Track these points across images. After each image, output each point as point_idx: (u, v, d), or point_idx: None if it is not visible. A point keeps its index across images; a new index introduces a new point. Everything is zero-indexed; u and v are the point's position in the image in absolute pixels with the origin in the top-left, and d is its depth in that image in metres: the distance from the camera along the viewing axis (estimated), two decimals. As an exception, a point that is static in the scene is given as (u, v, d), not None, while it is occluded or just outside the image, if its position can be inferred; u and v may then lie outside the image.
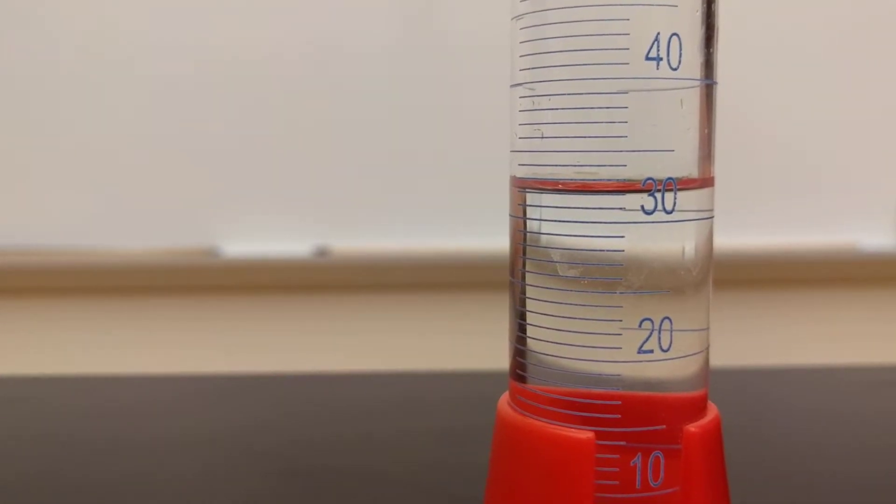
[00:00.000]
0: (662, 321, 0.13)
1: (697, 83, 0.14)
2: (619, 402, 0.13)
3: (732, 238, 1.10)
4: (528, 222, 0.14)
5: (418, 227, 1.07)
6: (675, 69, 0.13)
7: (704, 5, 0.14)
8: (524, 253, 0.14)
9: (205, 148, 1.10)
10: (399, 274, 1.07)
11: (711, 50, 0.14)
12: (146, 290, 1.05)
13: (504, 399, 0.15)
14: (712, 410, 0.15)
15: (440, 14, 0.86)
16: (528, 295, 0.14)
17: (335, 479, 0.21)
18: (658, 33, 0.13)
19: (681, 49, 0.13)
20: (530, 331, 0.14)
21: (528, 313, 0.14)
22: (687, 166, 0.14)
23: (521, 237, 0.15)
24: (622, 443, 0.13)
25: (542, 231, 0.14)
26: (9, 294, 1.05)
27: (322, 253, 1.11)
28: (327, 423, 0.27)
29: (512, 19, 0.15)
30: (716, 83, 0.14)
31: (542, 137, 0.14)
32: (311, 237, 1.10)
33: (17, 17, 1.04)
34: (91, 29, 1.10)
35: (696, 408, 0.14)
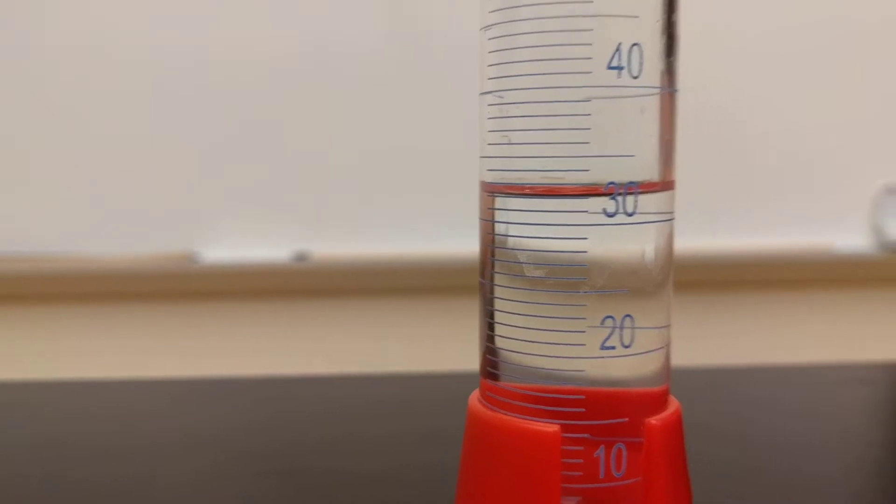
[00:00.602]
0: (624, 319, 0.14)
1: (658, 91, 0.15)
2: (584, 397, 0.14)
3: (713, 240, 1.11)
4: (496, 225, 0.15)
5: (396, 232, 1.07)
6: (636, 77, 0.14)
7: (665, 16, 0.15)
8: (493, 255, 0.15)
9: (183, 154, 1.10)
10: (378, 278, 1.08)
11: (672, 59, 0.15)
12: (126, 295, 1.05)
13: (475, 396, 0.16)
14: (673, 404, 0.15)
15: (425, 20, 0.87)
16: (496, 295, 0.15)
17: (320, 480, 0.22)
18: (620, 43, 0.14)
19: (641, 58, 0.14)
20: (498, 329, 0.15)
21: (496, 312, 0.15)
22: (648, 170, 0.14)
23: (490, 240, 0.15)
24: (586, 435, 0.14)
25: (510, 234, 0.15)
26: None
27: (301, 258, 1.11)
28: (310, 424, 0.27)
29: (480, 30, 0.15)
30: (677, 91, 0.15)
31: (510, 143, 0.15)
32: (291, 242, 1.10)
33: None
34: (69, 39, 1.09)
35: (658, 402, 0.15)
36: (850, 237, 1.20)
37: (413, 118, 0.91)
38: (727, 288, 0.77)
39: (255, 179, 1.12)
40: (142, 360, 0.78)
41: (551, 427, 0.14)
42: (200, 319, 1.09)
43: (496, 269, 0.15)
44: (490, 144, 0.15)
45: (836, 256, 1.16)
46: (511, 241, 0.15)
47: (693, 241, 1.04)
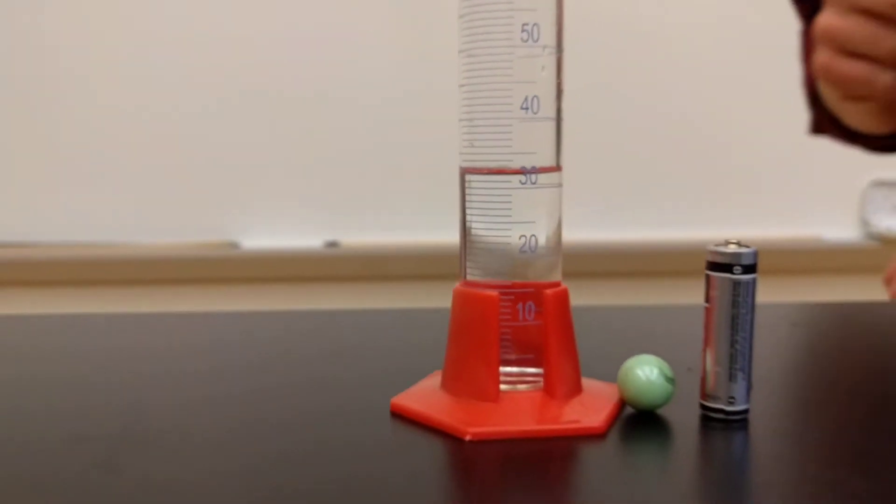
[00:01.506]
0: (531, 236, 0.27)
1: (553, 120, 0.28)
2: (510, 281, 0.27)
3: (708, 231, 1.25)
4: (467, 187, 0.28)
5: (419, 222, 1.21)
6: (536, 113, 0.27)
7: (557, 84, 0.28)
8: (465, 200, 0.28)
9: (226, 153, 1.25)
10: (401, 264, 1.21)
11: (560, 103, 0.28)
12: (174, 280, 1.19)
13: (457, 286, 0.29)
14: (562, 286, 0.28)
15: (442, 27, 0.98)
16: (471, 224, 0.28)
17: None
18: (526, 97, 0.27)
19: (540, 104, 0.27)
20: (474, 244, 0.28)
21: (471, 231, 0.28)
22: (546, 160, 0.27)
23: (463, 191, 0.28)
24: (512, 297, 0.27)
25: (468, 194, 0.28)
26: (51, 284, 1.19)
27: (331, 246, 1.26)
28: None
29: (458, 53, 0.28)
30: (562, 119, 0.28)
31: (472, 146, 0.28)
32: (322, 232, 1.24)
33: (44, 19, 1.18)
34: (122, 36, 1.24)
35: (553, 284, 0.28)
36: (839, 229, 1.32)
37: (431, 117, 1.04)
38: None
39: (290, 177, 1.27)
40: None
41: (493, 293, 0.27)
42: (239, 301, 1.24)
43: (468, 208, 0.28)
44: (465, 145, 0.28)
45: (825, 246, 1.29)
46: (468, 198, 0.28)
47: (695, 233, 1.15)
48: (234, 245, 1.22)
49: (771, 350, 0.38)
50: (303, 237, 1.22)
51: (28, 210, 1.22)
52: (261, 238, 1.22)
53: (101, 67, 1.21)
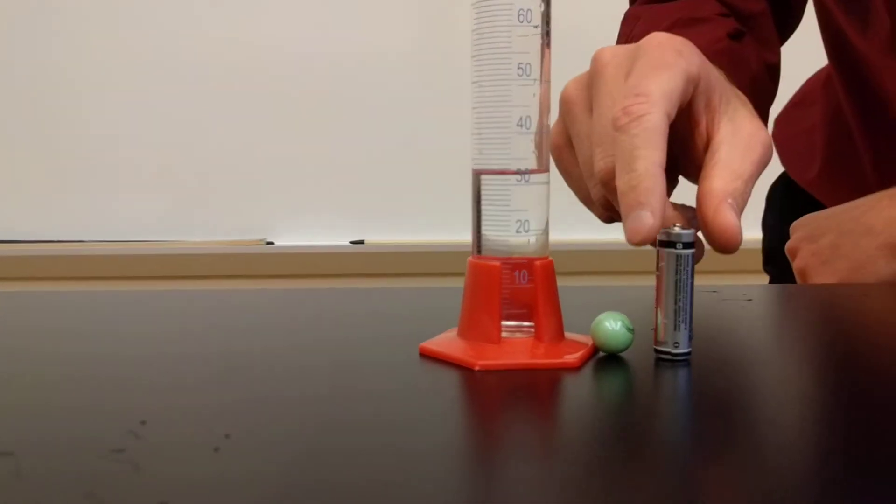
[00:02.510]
0: (525, 221, 0.36)
1: (542, 133, 0.37)
2: (508, 255, 0.36)
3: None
4: (480, 184, 0.37)
5: (438, 223, 1.31)
6: (528, 129, 0.36)
7: (545, 106, 0.37)
8: (479, 192, 0.37)
9: (263, 162, 1.36)
10: (422, 261, 1.31)
11: (547, 120, 0.37)
12: (215, 275, 1.29)
13: (469, 258, 0.38)
14: (549, 259, 0.37)
15: (462, 46, 1.08)
16: (482, 216, 0.37)
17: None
18: (521, 116, 0.36)
19: (531, 122, 0.36)
20: (484, 226, 0.37)
21: (482, 219, 0.37)
22: (536, 164, 0.37)
23: (478, 186, 0.37)
24: (510, 267, 0.36)
25: (479, 189, 0.37)
26: (100, 280, 1.30)
27: (357, 244, 1.36)
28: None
29: (471, 83, 0.37)
30: (549, 131, 0.37)
31: (481, 154, 0.37)
32: (349, 232, 1.33)
33: (85, 26, 1.29)
34: (161, 44, 1.36)
35: (542, 258, 0.37)
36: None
37: (448, 127, 1.13)
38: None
39: (319, 182, 1.38)
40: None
41: (497, 263, 0.36)
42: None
43: (479, 200, 0.37)
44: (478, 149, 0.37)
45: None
46: (481, 188, 0.37)
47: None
48: (269, 243, 1.32)
49: (724, 315, 0.47)
50: (331, 236, 1.32)
51: (80, 210, 1.33)
52: (293, 237, 1.32)
53: (139, 73, 1.32)
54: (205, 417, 0.29)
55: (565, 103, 0.43)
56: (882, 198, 0.61)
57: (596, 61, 0.40)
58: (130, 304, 0.53)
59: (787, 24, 0.68)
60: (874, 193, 0.62)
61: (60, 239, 1.34)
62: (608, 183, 0.37)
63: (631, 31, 0.60)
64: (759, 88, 0.60)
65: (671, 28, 0.56)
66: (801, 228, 0.65)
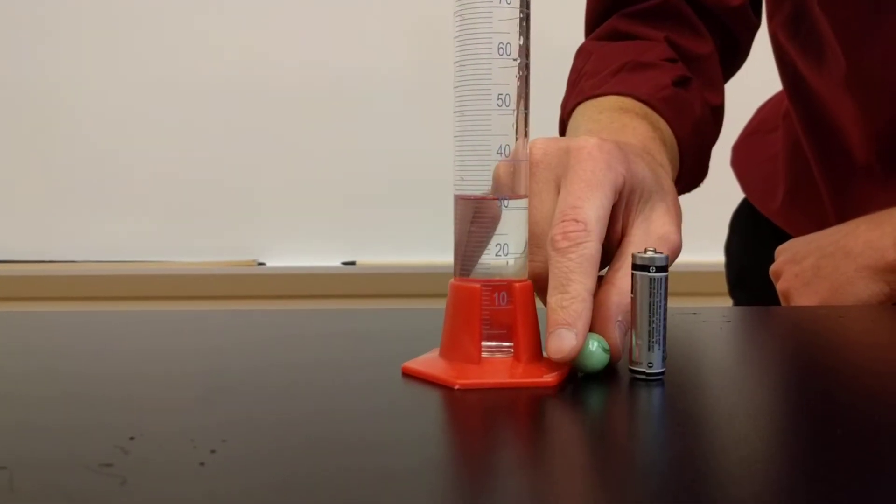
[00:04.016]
0: (504, 245, 0.38)
1: (522, 161, 0.38)
2: (488, 277, 0.38)
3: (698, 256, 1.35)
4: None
5: (427, 245, 1.32)
6: (507, 156, 0.38)
7: (523, 134, 0.38)
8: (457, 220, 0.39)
9: (256, 183, 1.37)
10: (411, 282, 1.32)
11: (525, 149, 0.38)
12: (208, 296, 1.30)
13: (451, 280, 0.39)
14: (528, 282, 0.39)
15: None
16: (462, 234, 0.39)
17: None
18: (500, 144, 0.37)
19: (510, 150, 0.38)
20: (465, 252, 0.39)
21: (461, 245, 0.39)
22: (512, 190, 0.38)
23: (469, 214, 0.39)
24: (490, 289, 0.38)
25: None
26: (91, 300, 1.30)
27: (348, 265, 1.37)
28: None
29: (454, 112, 0.39)
30: (526, 159, 0.39)
31: (463, 180, 0.38)
32: (340, 253, 1.34)
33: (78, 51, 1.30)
34: (154, 66, 1.37)
35: (522, 280, 0.38)
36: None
37: (439, 152, 1.14)
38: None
39: (311, 203, 1.39)
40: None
41: (477, 286, 0.38)
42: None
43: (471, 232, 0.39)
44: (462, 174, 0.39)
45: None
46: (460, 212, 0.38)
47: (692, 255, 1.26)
48: (260, 264, 1.33)
49: (700, 336, 0.48)
50: (322, 257, 1.33)
51: (74, 230, 1.34)
52: (284, 258, 1.33)
53: (132, 94, 1.33)
54: (192, 434, 0.30)
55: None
56: (861, 223, 0.63)
57: (530, 153, 0.41)
58: (121, 324, 0.54)
59: (733, 63, 0.70)
60: (855, 219, 0.64)
61: (52, 259, 1.35)
62: (536, 282, 0.40)
63: (582, 68, 0.61)
64: (702, 132, 0.61)
65: (619, 71, 0.58)
66: (785, 252, 0.66)
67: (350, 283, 1.33)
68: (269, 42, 1.34)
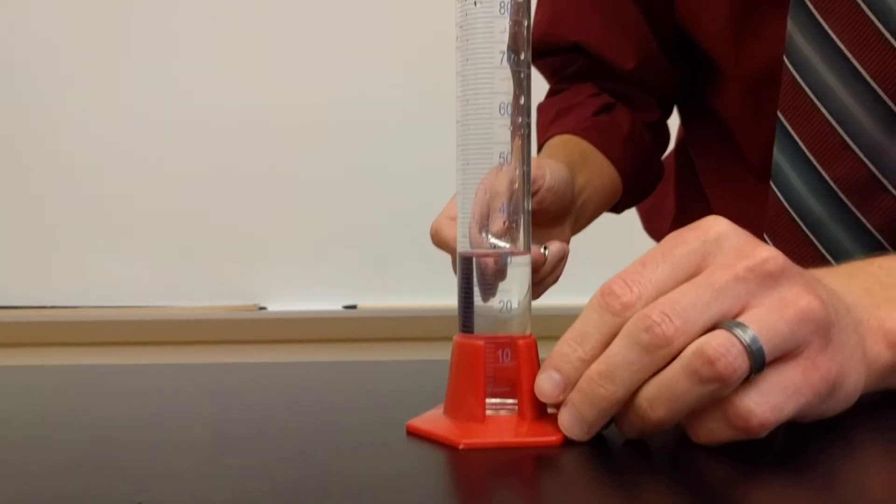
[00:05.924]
0: (508, 302, 0.38)
1: (526, 213, 0.38)
2: (493, 334, 0.37)
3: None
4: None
5: (429, 288, 1.31)
6: (510, 213, 0.38)
7: (525, 194, 0.38)
8: (461, 276, 0.39)
9: (258, 228, 1.37)
10: (414, 325, 1.31)
11: (529, 205, 0.39)
12: (208, 341, 1.29)
13: (455, 337, 0.39)
14: (532, 337, 0.38)
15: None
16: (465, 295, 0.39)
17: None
18: (502, 203, 0.38)
19: (514, 209, 0.38)
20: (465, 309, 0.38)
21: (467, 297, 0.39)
22: (518, 247, 0.38)
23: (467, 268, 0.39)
24: (494, 346, 0.37)
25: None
26: (90, 346, 1.30)
27: (351, 309, 1.36)
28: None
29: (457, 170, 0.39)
30: (531, 217, 0.39)
31: (464, 237, 0.38)
32: (342, 296, 1.34)
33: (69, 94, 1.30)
34: (152, 110, 1.38)
35: (525, 336, 0.38)
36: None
37: (441, 194, 1.15)
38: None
39: (311, 247, 1.39)
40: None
41: (481, 343, 0.37)
42: (267, 358, 1.34)
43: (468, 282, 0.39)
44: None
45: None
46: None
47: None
48: (261, 308, 1.33)
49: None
50: (324, 301, 1.33)
51: (71, 275, 1.34)
52: (285, 302, 1.32)
53: (130, 138, 1.34)
54: (195, 498, 0.30)
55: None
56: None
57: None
58: (121, 380, 0.54)
59: (667, 107, 0.80)
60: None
61: (50, 305, 1.35)
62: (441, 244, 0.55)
63: (540, 127, 0.76)
64: (637, 142, 0.73)
65: (555, 119, 0.72)
66: None
67: (352, 327, 1.32)
68: (269, 82, 1.35)
